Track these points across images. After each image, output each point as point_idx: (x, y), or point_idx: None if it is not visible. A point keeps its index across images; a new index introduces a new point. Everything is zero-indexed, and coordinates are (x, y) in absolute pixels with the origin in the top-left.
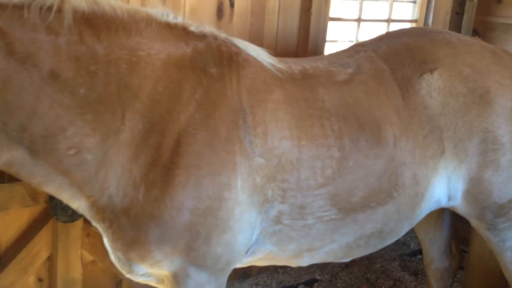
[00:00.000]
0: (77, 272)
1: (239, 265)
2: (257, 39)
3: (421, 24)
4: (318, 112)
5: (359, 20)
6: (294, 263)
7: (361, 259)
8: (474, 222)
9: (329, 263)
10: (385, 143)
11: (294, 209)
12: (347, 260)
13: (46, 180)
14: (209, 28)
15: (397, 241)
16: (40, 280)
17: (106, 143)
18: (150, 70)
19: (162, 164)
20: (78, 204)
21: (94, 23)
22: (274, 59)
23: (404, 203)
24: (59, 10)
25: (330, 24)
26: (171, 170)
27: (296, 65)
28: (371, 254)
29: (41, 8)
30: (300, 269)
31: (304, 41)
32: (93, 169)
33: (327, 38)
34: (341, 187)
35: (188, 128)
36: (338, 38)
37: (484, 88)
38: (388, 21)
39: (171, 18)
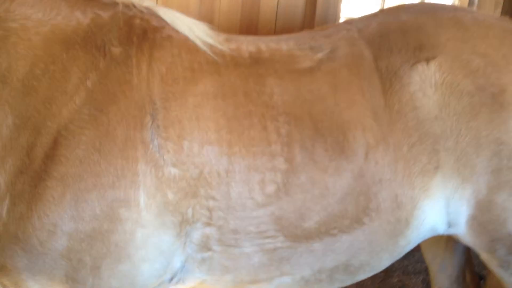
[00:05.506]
0: None
1: None
2: (252, 15)
3: (464, 3)
4: (261, 110)
5: None
6: None
7: None
8: (484, 256)
9: None
10: (352, 153)
11: (225, 234)
12: None
13: None
14: None
15: None
16: None
17: None
18: (25, 47)
19: (33, 172)
20: None
21: None
22: (220, 37)
23: (380, 231)
24: None
25: None
26: (43, 180)
27: (250, 45)
28: (390, 265)
29: None
30: None
31: (311, 18)
32: None
33: (342, 14)
34: (288, 208)
35: (71, 125)
36: (357, 15)
37: (499, 86)
38: None
39: None
